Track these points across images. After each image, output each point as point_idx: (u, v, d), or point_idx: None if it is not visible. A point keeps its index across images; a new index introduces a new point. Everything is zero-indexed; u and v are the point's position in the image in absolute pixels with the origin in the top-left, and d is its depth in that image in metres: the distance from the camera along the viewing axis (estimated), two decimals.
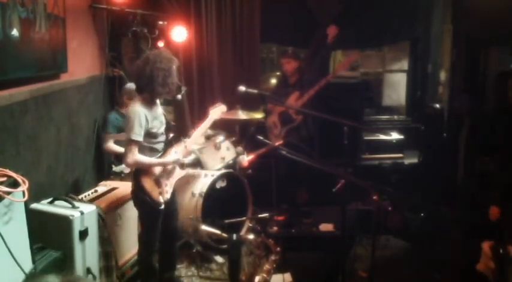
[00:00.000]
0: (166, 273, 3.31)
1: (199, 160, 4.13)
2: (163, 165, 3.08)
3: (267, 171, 4.12)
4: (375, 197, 2.56)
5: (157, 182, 3.05)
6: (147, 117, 2.90)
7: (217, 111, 3.54)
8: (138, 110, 2.88)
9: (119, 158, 4.45)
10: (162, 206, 3.05)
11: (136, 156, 2.89)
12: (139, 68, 2.94)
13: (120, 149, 3.92)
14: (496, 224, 3.16)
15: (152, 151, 3.01)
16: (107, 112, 4.36)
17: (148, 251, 3.10)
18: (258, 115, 4.54)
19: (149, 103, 2.98)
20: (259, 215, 3.83)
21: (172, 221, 3.26)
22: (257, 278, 3.02)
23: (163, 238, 3.17)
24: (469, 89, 4.79)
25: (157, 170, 3.04)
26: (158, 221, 3.08)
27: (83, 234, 2.60)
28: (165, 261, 3.27)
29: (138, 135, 2.86)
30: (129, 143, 2.88)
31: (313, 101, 4.55)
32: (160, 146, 3.07)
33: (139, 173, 2.99)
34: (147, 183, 2.98)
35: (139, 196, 3.00)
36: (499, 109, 3.67)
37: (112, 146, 3.97)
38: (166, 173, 3.11)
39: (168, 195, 3.10)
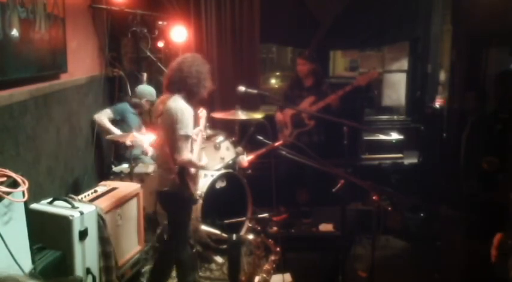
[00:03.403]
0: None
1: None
2: (203, 167, 3.17)
3: (267, 171, 4.12)
4: (374, 197, 2.55)
5: (195, 180, 3.12)
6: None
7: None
8: (188, 107, 2.94)
9: (119, 158, 4.47)
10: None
11: (190, 153, 2.94)
12: (183, 67, 2.98)
13: (110, 127, 4.12)
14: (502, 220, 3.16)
15: (191, 151, 3.05)
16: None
17: (184, 246, 3.16)
18: (258, 115, 4.54)
19: (188, 103, 3.01)
20: (259, 215, 3.83)
21: None
22: (257, 278, 3.01)
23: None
24: (471, 89, 4.78)
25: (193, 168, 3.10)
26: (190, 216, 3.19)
27: (83, 234, 2.60)
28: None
29: (192, 131, 2.94)
30: (185, 139, 2.90)
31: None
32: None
33: (184, 170, 3.00)
34: (191, 181, 3.04)
35: (183, 193, 3.02)
36: (499, 109, 3.67)
37: (106, 121, 4.11)
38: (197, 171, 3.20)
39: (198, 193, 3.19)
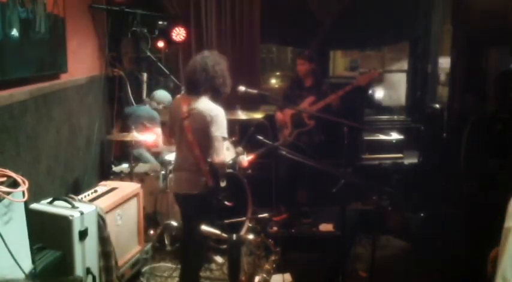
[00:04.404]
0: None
1: None
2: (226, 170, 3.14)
3: (267, 171, 4.13)
4: (374, 197, 2.56)
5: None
6: None
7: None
8: (220, 109, 2.94)
9: (119, 158, 4.48)
10: None
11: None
12: (208, 68, 2.93)
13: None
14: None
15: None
16: (112, 111, 4.47)
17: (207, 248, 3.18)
18: (258, 115, 4.54)
19: (215, 102, 3.00)
20: (259, 215, 3.83)
21: None
22: (257, 278, 3.01)
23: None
24: (470, 89, 4.78)
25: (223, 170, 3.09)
26: None
27: (83, 234, 2.60)
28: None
29: (226, 133, 2.94)
30: (221, 140, 2.91)
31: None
32: None
33: (217, 172, 3.00)
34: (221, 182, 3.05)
35: (217, 195, 3.02)
36: (499, 109, 3.67)
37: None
38: None
39: None
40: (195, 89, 2.97)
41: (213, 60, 2.97)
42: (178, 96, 3.39)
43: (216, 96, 3.00)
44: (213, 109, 2.91)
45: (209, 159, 2.95)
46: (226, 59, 3.08)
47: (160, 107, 4.48)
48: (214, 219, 3.08)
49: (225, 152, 3.09)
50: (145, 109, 4.51)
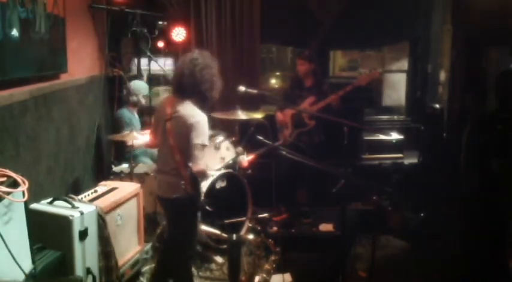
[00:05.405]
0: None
1: None
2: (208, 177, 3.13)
3: (267, 171, 4.13)
4: (374, 197, 2.56)
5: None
6: None
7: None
8: (204, 115, 2.86)
9: (119, 158, 4.48)
10: None
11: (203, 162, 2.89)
12: (195, 72, 2.85)
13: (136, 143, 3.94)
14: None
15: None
16: (112, 111, 4.42)
17: (192, 253, 3.15)
18: (258, 115, 4.54)
19: (201, 108, 2.92)
20: (259, 215, 3.83)
21: None
22: (257, 278, 3.02)
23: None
24: (470, 89, 4.78)
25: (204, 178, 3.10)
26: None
27: (83, 234, 2.60)
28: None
29: (208, 140, 2.88)
30: (201, 148, 2.83)
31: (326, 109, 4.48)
32: None
33: (197, 178, 2.96)
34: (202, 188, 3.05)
35: (195, 201, 3.00)
36: (499, 109, 3.67)
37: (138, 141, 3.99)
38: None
39: None
40: (181, 92, 2.92)
41: (202, 63, 2.88)
42: (166, 96, 3.35)
43: (203, 101, 2.92)
44: (194, 115, 2.83)
45: (190, 164, 2.88)
46: (217, 61, 3.01)
47: (141, 97, 4.42)
48: (193, 223, 3.08)
49: (206, 160, 3.02)
50: (124, 113, 4.41)
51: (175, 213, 3.06)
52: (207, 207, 3.14)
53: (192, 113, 2.85)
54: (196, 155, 2.82)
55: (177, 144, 2.88)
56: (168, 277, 3.23)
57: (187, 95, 2.89)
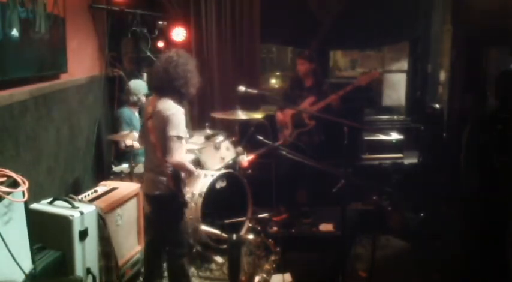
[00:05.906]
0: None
1: (199, 160, 4.13)
2: (193, 173, 3.09)
3: (267, 171, 4.13)
4: (374, 197, 2.56)
5: (185, 184, 3.09)
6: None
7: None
8: (179, 108, 2.90)
9: (119, 158, 4.47)
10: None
11: (183, 154, 2.89)
12: (169, 69, 2.90)
13: (136, 145, 3.94)
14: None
15: (187, 153, 3.02)
16: (112, 111, 4.41)
17: (183, 251, 3.12)
18: (258, 115, 4.54)
19: (179, 104, 2.97)
20: (259, 215, 3.83)
21: None
22: (257, 278, 3.02)
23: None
24: (470, 89, 4.78)
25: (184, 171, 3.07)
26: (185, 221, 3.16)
27: (83, 234, 2.60)
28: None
29: (185, 132, 2.89)
30: (177, 140, 2.85)
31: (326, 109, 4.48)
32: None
33: (178, 174, 2.98)
34: (183, 185, 3.03)
35: (177, 197, 3.01)
36: (499, 109, 3.67)
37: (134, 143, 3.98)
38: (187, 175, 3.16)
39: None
40: (158, 90, 2.99)
41: (176, 61, 2.93)
42: (150, 97, 3.37)
43: (180, 97, 2.97)
44: (170, 108, 2.88)
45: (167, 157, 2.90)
46: (194, 59, 3.05)
47: (141, 96, 4.41)
48: (178, 220, 3.08)
49: (184, 153, 3.00)
50: (124, 112, 4.42)
51: (158, 209, 3.13)
52: (188, 201, 3.14)
53: (168, 106, 2.90)
54: (172, 146, 2.84)
55: (158, 140, 2.94)
56: (158, 278, 3.27)
57: (164, 92, 2.95)
